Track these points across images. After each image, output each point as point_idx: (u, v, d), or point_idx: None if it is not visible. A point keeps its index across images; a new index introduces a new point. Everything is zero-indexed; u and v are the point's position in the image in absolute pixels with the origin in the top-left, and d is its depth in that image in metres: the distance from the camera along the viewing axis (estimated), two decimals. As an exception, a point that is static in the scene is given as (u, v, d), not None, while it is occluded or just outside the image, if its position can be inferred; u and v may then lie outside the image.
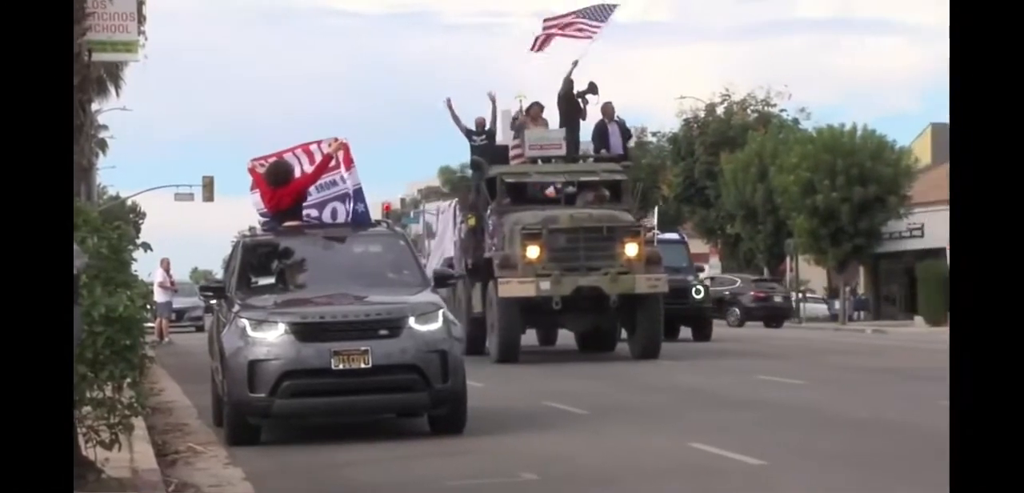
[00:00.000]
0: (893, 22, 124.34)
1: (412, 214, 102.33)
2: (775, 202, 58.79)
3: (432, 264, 30.86)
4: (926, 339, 41.04)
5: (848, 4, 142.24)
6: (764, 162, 59.51)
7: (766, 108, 68.12)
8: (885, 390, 21.32)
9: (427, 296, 16.19)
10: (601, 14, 30.31)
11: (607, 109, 30.07)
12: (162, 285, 39.97)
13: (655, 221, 39.53)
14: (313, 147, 17.75)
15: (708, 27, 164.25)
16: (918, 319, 53.06)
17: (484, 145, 29.67)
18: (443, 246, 32.38)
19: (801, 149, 56.43)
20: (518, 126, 29.71)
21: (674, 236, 42.35)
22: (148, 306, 16.53)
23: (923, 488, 11.37)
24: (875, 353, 31.64)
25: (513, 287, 26.25)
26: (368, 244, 17.59)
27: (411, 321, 15.39)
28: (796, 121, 66.63)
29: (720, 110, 68.43)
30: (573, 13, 30.71)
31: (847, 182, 54.41)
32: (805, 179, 55.05)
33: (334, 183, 17.59)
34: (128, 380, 11.14)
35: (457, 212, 31.27)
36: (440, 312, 15.75)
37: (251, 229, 17.67)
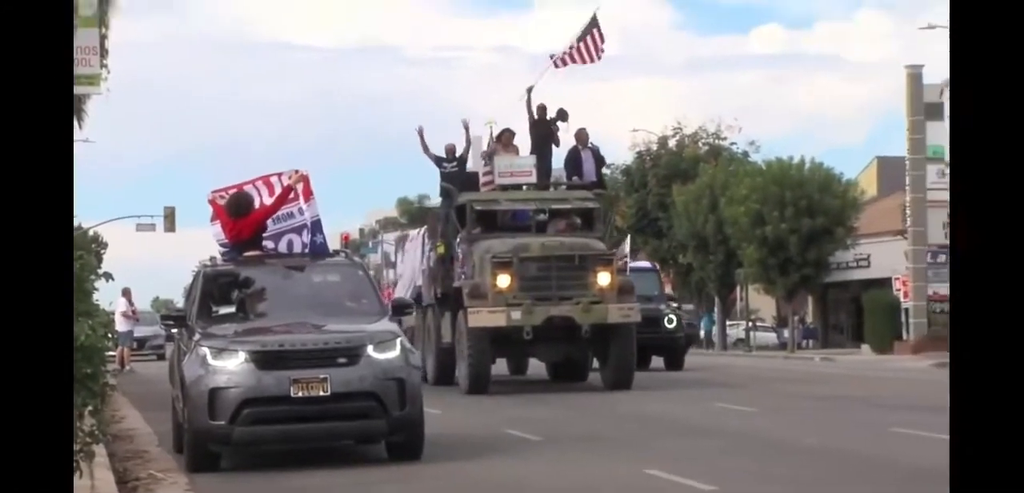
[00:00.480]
0: (840, 59, 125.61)
1: (371, 244, 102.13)
2: (726, 233, 59.00)
3: (401, 293, 30.50)
4: (873, 367, 41.32)
5: (797, 41, 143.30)
6: (715, 194, 59.73)
7: (717, 141, 68.40)
8: (834, 417, 21.37)
9: (385, 324, 16.21)
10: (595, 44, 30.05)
11: (581, 135, 29.22)
12: (124, 314, 39.81)
13: (627, 249, 38.66)
14: (273, 179, 17.73)
15: (661, 62, 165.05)
16: (865, 347, 53.36)
17: (454, 172, 28.69)
18: (412, 275, 31.40)
19: (751, 181, 56.68)
20: (489, 153, 28.90)
21: (646, 264, 41.82)
22: (109, 335, 16.37)
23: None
24: (824, 381, 31.73)
25: (483, 317, 25.38)
26: (327, 273, 17.56)
27: (369, 349, 15.40)
28: (746, 154, 66.95)
29: (672, 143, 68.67)
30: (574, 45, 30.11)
31: (795, 213, 54.68)
32: (754, 210, 55.30)
33: (291, 215, 17.58)
34: (89, 408, 11.09)
35: (425, 240, 30.18)
36: (398, 340, 15.76)
37: (212, 259, 17.63)
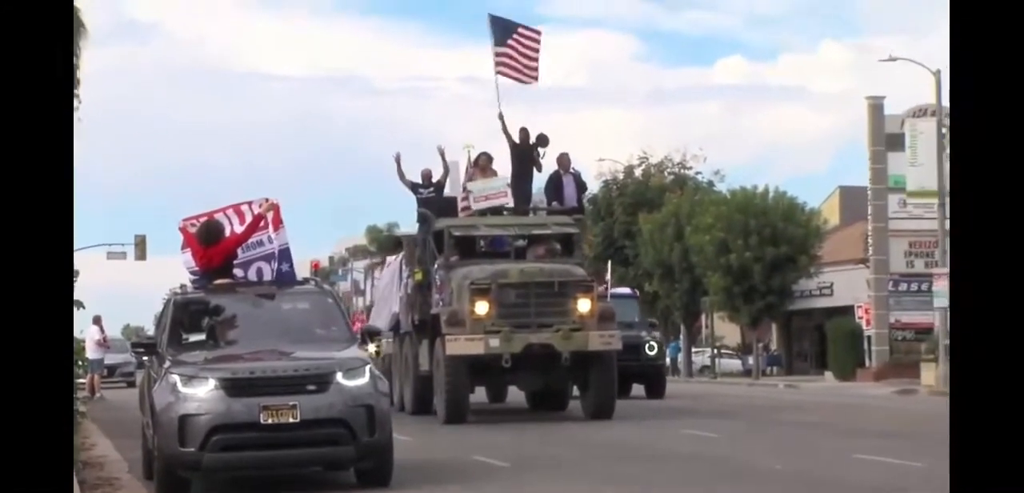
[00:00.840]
0: (804, 90, 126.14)
1: (340, 272, 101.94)
2: (691, 261, 59.13)
3: (378, 320, 29.96)
4: (836, 393, 41.41)
5: (761, 73, 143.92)
6: (680, 222, 59.89)
7: (682, 170, 68.66)
8: (800, 442, 21.41)
9: (354, 352, 16.20)
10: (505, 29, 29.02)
11: (563, 160, 28.12)
12: (96, 342, 39.61)
13: (609, 275, 37.63)
14: (244, 207, 17.64)
15: (626, 93, 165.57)
16: (828, 374, 53.47)
17: (431, 198, 27.72)
18: (387, 302, 30.25)
19: (716, 210, 56.85)
20: (468, 176, 27.68)
21: (626, 291, 40.99)
22: (80, 362, 16.33)
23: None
24: (797, 407, 31.69)
25: (461, 344, 24.17)
26: (296, 301, 17.50)
27: (338, 376, 15.35)
28: (711, 183, 67.20)
29: (638, 172, 68.88)
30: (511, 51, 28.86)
31: (759, 242, 54.85)
32: (719, 239, 55.45)
33: (260, 243, 17.51)
34: (60, 435, 10.98)
35: (403, 267, 28.61)
36: (367, 367, 15.72)
37: (182, 287, 17.51)
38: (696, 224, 57.46)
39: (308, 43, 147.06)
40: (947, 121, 46.70)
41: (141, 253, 59.92)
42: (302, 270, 23.92)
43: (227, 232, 17.33)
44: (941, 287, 43.59)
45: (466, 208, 27.17)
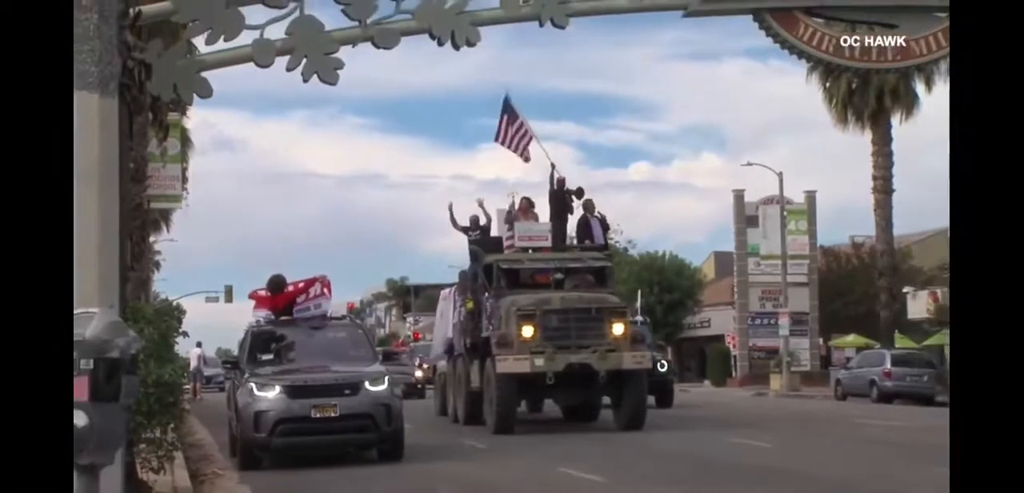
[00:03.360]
0: (689, 186, 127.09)
1: (367, 311, 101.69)
2: (612, 304, 58.86)
3: (435, 345, 26.39)
4: (713, 396, 41.39)
5: (661, 173, 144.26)
6: (604, 277, 59.73)
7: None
8: (695, 433, 20.61)
9: (377, 367, 16.27)
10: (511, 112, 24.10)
11: (589, 205, 24.01)
12: (197, 359, 39.35)
13: (639, 303, 33.67)
14: (302, 284, 17.55)
15: (571, 184, 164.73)
16: (707, 382, 53.46)
17: (480, 238, 23.73)
18: (444, 330, 25.70)
19: (628, 269, 56.84)
20: (510, 218, 23.54)
21: (640, 318, 38.58)
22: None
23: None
24: (688, 405, 30.77)
25: (510, 364, 20.34)
26: (336, 331, 17.51)
27: (366, 384, 15.47)
28: (626, 249, 67.19)
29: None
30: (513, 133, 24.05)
31: (660, 290, 54.85)
32: (632, 288, 55.39)
33: (318, 305, 17.30)
34: (171, 426, 10.94)
35: (456, 298, 24.49)
36: (386, 377, 15.87)
37: (257, 322, 17.53)
38: (615, 278, 57.28)
39: (344, 151, 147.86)
40: (788, 207, 47.44)
41: (228, 298, 59.56)
42: (340, 310, 23.59)
43: (289, 286, 17.42)
44: (784, 321, 44.13)
45: (511, 244, 23.09)
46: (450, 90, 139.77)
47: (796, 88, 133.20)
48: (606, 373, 20.50)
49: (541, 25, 12.14)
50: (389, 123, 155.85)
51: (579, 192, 23.93)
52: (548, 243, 22.83)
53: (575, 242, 23.87)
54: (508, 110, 24.14)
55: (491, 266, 22.09)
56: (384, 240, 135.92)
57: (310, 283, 17.34)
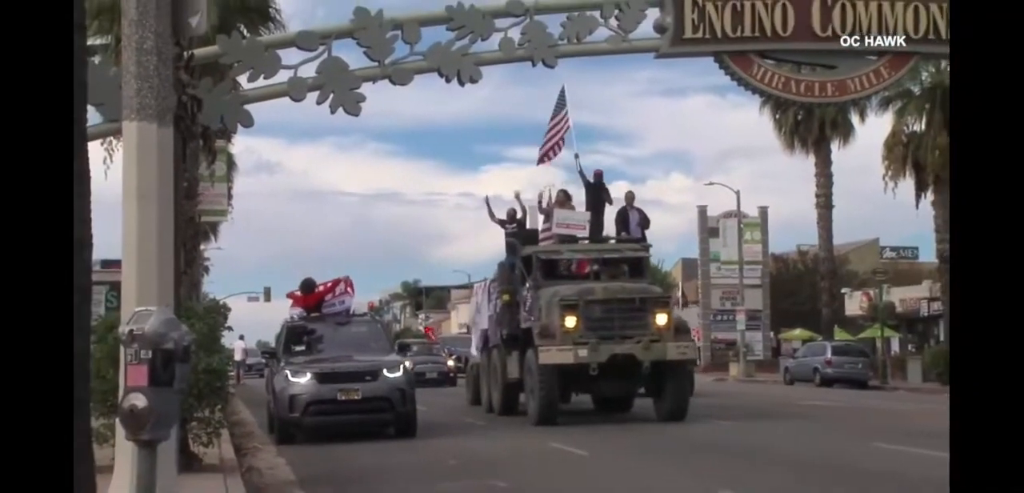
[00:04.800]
0: (661, 201, 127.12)
1: (385, 309, 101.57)
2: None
3: (474, 338, 23.38)
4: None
5: (637, 190, 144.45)
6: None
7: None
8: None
9: (394, 357, 16.33)
10: (560, 106, 20.54)
11: (629, 196, 20.92)
12: (240, 350, 39.31)
13: (680, 293, 30.27)
14: (330, 283, 17.67)
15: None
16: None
17: (516, 232, 20.57)
18: (479, 323, 22.43)
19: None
20: (548, 209, 20.40)
21: None
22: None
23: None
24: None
25: (553, 354, 17.33)
26: (359, 326, 17.46)
27: (384, 371, 15.40)
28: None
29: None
30: (550, 132, 20.61)
31: (635, 291, 54.70)
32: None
33: (343, 302, 17.46)
34: (218, 407, 10.95)
35: (491, 291, 21.04)
36: (401, 365, 15.96)
37: (292, 317, 17.54)
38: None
39: (366, 173, 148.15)
40: (744, 220, 47.52)
41: (267, 297, 59.79)
42: (361, 308, 23.53)
43: (319, 287, 17.47)
44: (740, 318, 44.17)
45: (547, 234, 20.11)
46: (457, 120, 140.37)
47: (751, 119, 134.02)
48: (650, 364, 17.47)
49: (534, 65, 12.45)
50: (405, 148, 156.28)
51: (609, 197, 20.54)
52: (585, 232, 19.74)
53: (614, 233, 20.41)
54: (562, 101, 20.68)
55: (530, 257, 19.15)
56: (400, 248, 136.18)
57: (336, 283, 17.46)
